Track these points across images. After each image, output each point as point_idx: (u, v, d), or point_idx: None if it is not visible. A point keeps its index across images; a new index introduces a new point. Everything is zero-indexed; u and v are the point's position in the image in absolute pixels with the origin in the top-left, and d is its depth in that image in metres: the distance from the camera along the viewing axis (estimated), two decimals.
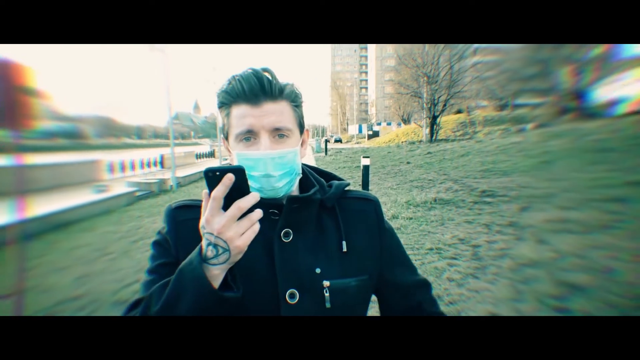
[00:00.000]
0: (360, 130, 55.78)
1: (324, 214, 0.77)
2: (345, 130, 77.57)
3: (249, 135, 0.71)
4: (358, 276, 0.73)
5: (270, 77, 0.72)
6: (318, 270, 0.72)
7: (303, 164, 0.83)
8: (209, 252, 0.57)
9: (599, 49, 15.01)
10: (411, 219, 4.97)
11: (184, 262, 0.61)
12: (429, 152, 12.87)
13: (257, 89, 0.70)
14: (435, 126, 22.26)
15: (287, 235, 0.73)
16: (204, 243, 0.59)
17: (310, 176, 0.81)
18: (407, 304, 0.81)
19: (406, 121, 36.24)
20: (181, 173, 14.69)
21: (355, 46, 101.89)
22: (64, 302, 3.22)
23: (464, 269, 3.26)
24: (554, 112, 17.08)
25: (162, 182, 12.58)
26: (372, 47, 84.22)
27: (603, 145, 7.21)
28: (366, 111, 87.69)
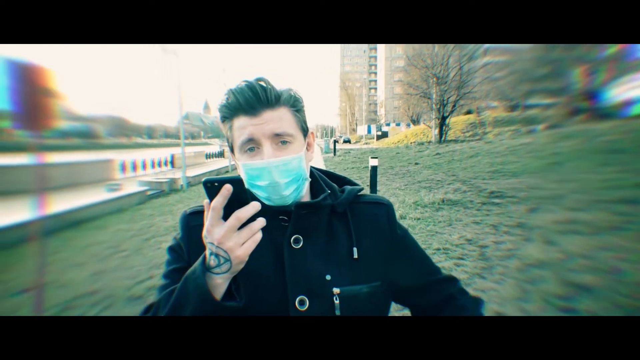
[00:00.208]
0: (369, 131, 55.65)
1: (335, 219, 0.76)
2: (354, 130, 77.47)
3: (252, 145, 0.72)
4: (369, 282, 0.72)
5: (265, 86, 0.72)
6: (328, 277, 0.71)
7: (315, 168, 0.84)
8: (212, 261, 0.59)
9: (613, 49, 14.79)
10: (419, 219, 5.00)
11: (189, 271, 0.62)
12: (437, 153, 12.83)
13: (252, 99, 0.71)
14: (444, 127, 22.14)
15: (297, 241, 0.73)
16: (207, 252, 0.60)
17: (321, 181, 0.81)
18: (438, 299, 0.80)
19: (415, 122, 36.09)
20: (191, 173, 14.87)
21: (365, 47, 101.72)
22: (80, 297, 3.34)
23: (470, 269, 3.28)
24: (565, 113, 16.86)
25: (173, 181, 12.78)
26: (381, 48, 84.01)
27: (614, 146, 7.13)
28: (375, 112, 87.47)
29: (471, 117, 26.75)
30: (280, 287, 0.70)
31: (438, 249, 3.83)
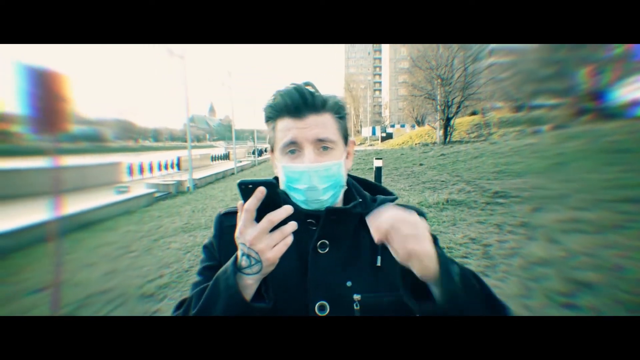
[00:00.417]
0: (373, 132, 55.65)
1: (362, 227, 0.73)
2: (358, 132, 77.55)
3: (294, 148, 0.72)
4: (392, 291, 0.69)
5: (312, 90, 0.73)
6: (349, 284, 0.71)
7: (350, 176, 0.83)
8: (243, 262, 0.59)
9: (619, 49, 14.73)
10: None
11: (220, 270, 0.63)
12: (442, 154, 12.85)
13: (299, 102, 0.72)
14: (449, 128, 22.12)
15: (323, 246, 0.73)
16: (239, 253, 0.61)
17: (354, 189, 0.81)
18: None
19: (420, 123, 36.05)
20: (197, 175, 15.04)
21: (369, 48, 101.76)
22: (94, 295, 3.45)
23: (474, 267, 3.33)
24: (571, 114, 16.80)
25: (180, 183, 12.96)
26: (385, 49, 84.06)
27: (619, 146, 7.13)
28: (380, 113, 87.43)
29: (476, 118, 26.67)
30: (302, 291, 0.70)
31: (442, 248, 3.88)
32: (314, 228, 0.74)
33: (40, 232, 5.83)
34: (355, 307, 0.69)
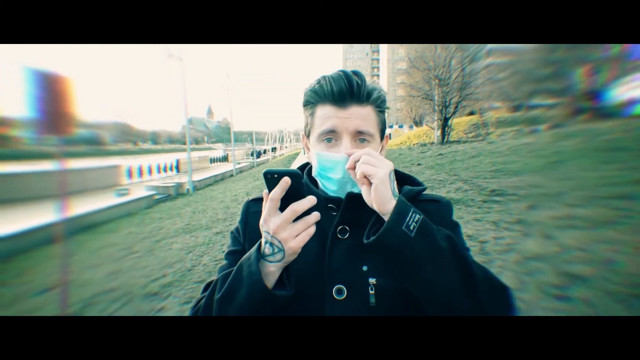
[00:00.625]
0: None
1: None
2: None
3: (331, 136, 0.72)
4: None
5: (359, 81, 0.72)
6: (365, 268, 0.71)
7: None
8: (267, 249, 0.61)
9: (616, 49, 14.86)
10: None
11: (244, 257, 0.65)
12: (440, 154, 12.94)
13: (345, 91, 0.71)
14: (446, 128, 22.21)
15: (343, 232, 0.74)
16: (262, 241, 0.62)
17: None
18: None
19: (418, 123, 36.15)
20: (197, 177, 15.10)
21: (367, 49, 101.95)
22: (100, 294, 3.52)
23: None
24: (568, 113, 16.92)
25: (179, 185, 13.02)
26: (383, 50, 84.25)
27: (614, 145, 7.23)
28: None
29: (474, 118, 26.79)
30: (321, 275, 0.71)
31: (462, 236, 3.96)
32: (334, 213, 0.75)
33: (42, 235, 5.91)
34: (370, 291, 0.69)
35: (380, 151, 0.79)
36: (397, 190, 0.66)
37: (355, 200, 0.72)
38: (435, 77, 22.75)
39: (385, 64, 78.44)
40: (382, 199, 0.62)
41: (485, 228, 4.41)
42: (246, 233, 0.80)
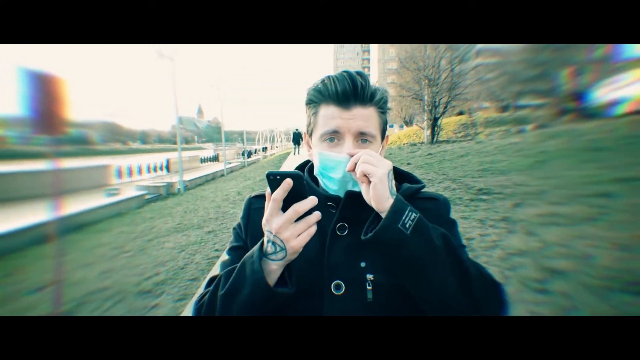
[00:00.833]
0: None
1: None
2: None
3: (334, 136, 0.74)
4: None
5: (363, 82, 0.73)
6: (363, 264, 0.73)
7: None
8: (269, 248, 0.62)
9: (599, 51, 15.25)
10: None
11: (247, 254, 0.67)
12: (429, 154, 13.12)
13: (349, 92, 0.72)
14: (436, 128, 22.47)
15: (342, 229, 0.76)
16: (265, 239, 0.64)
17: None
18: None
19: (408, 123, 36.43)
20: (187, 177, 15.04)
21: (358, 48, 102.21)
22: (93, 292, 3.54)
23: None
24: (554, 114, 17.30)
25: (170, 185, 12.96)
26: (374, 50, 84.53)
27: (597, 144, 7.46)
28: None
29: (463, 118, 27.15)
30: (320, 270, 0.73)
31: (459, 233, 4.08)
32: (334, 211, 0.77)
33: (32, 235, 5.88)
34: (368, 287, 0.71)
35: (380, 151, 0.81)
36: (395, 189, 0.69)
37: (354, 198, 0.74)
38: (425, 77, 22.97)
39: (376, 63, 78.79)
40: (380, 197, 0.64)
41: (472, 226, 4.55)
42: (248, 229, 0.82)
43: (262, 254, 0.63)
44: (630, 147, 6.57)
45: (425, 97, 23.04)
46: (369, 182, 0.66)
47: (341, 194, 0.76)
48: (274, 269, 0.63)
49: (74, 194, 10.88)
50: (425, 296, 0.66)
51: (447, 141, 20.68)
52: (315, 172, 0.78)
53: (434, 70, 22.65)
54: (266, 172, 0.62)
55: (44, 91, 2.89)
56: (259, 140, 47.00)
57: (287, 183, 0.60)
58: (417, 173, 9.33)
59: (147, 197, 11.15)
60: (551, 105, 18.44)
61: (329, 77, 0.75)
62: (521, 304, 2.56)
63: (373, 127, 0.75)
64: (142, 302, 3.25)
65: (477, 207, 5.35)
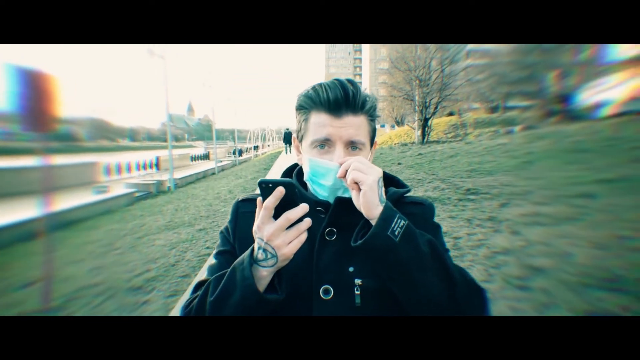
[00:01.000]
0: None
1: None
2: None
3: (325, 143, 0.74)
4: None
5: (354, 90, 0.74)
6: (351, 269, 0.74)
7: None
8: (260, 255, 0.63)
9: (584, 54, 15.59)
10: None
11: (237, 260, 0.66)
12: (419, 154, 13.28)
13: (341, 100, 0.73)
14: (426, 128, 22.70)
15: (331, 234, 0.77)
16: (255, 246, 0.64)
17: None
18: None
19: (400, 123, 36.72)
20: (178, 175, 14.95)
21: (350, 48, 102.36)
22: (84, 288, 3.55)
23: None
24: (541, 115, 17.64)
25: (160, 183, 12.87)
26: (366, 50, 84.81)
27: (580, 146, 7.67)
28: None
29: (453, 119, 27.46)
30: (309, 275, 0.74)
31: (443, 237, 4.16)
32: (323, 216, 0.78)
33: (18, 232, 5.82)
34: (356, 292, 0.72)
35: (369, 157, 0.82)
36: (384, 196, 0.70)
37: (343, 204, 0.75)
38: (415, 77, 23.18)
39: (368, 63, 79.10)
40: (370, 204, 0.66)
41: (459, 225, 4.65)
42: (236, 233, 0.83)
43: (253, 260, 0.64)
44: (612, 149, 6.78)
45: (416, 98, 23.24)
46: (359, 189, 0.67)
47: (331, 200, 0.77)
48: (264, 275, 0.64)
49: (61, 191, 10.75)
50: (412, 301, 0.68)
51: (438, 141, 20.91)
52: (305, 177, 0.79)
53: (424, 71, 22.86)
54: (258, 180, 0.63)
55: (32, 88, 2.89)
56: (250, 139, 46.85)
57: (279, 191, 0.60)
58: (407, 173, 9.46)
59: (137, 194, 11.06)
60: (538, 107, 18.78)
61: (320, 84, 0.76)
62: (503, 300, 2.65)
63: (363, 135, 0.76)
64: (133, 298, 3.27)
65: (465, 207, 5.47)
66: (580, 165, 6.15)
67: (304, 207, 0.62)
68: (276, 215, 0.61)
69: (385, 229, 0.63)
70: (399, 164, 11.53)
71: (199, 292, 0.70)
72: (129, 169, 19.27)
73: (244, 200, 0.86)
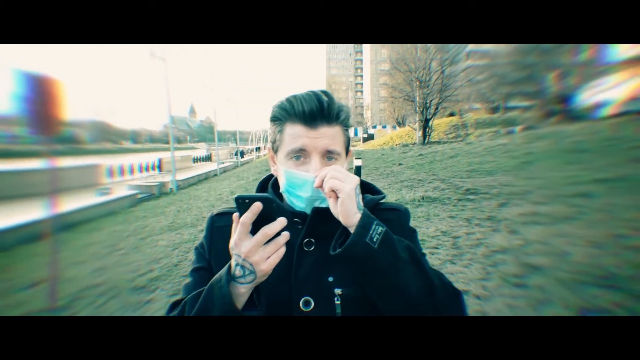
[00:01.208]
0: (355, 134, 56.12)
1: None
2: None
3: (300, 154, 0.74)
4: None
5: (329, 101, 0.74)
6: (330, 279, 0.73)
7: None
8: (237, 271, 0.61)
9: (584, 54, 15.62)
10: None
11: (214, 278, 0.65)
12: (420, 154, 13.34)
13: (316, 111, 0.73)
14: (427, 129, 22.76)
15: (309, 244, 0.76)
16: (233, 262, 0.62)
17: None
18: None
19: (401, 124, 36.76)
20: (180, 176, 15.04)
21: (350, 49, 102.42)
22: (88, 288, 3.61)
23: (443, 256, 3.68)
24: (541, 115, 17.68)
25: (163, 185, 12.96)
26: (366, 50, 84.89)
27: (580, 146, 7.72)
28: (362, 114, 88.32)
29: (454, 119, 27.50)
30: (288, 287, 0.73)
31: (419, 242, 4.22)
32: (300, 227, 0.76)
33: (23, 233, 5.89)
34: (336, 302, 0.71)
35: (345, 165, 0.81)
36: (362, 203, 0.69)
37: (320, 214, 0.74)
38: (416, 79, 23.25)
39: (369, 64, 79.15)
40: (348, 212, 0.65)
41: (459, 224, 4.70)
42: (211, 249, 0.81)
43: (230, 277, 0.62)
44: (610, 148, 6.82)
45: (417, 99, 23.30)
46: (337, 197, 0.67)
47: (307, 211, 0.76)
48: (242, 292, 0.62)
49: (64, 193, 10.83)
50: (391, 307, 0.67)
51: (438, 142, 20.96)
52: (282, 189, 0.79)
53: (424, 72, 22.93)
54: (234, 196, 0.61)
55: (40, 92, 2.96)
56: (252, 140, 46.98)
57: (257, 207, 0.59)
58: (408, 173, 9.51)
59: (140, 196, 11.14)
60: (539, 107, 18.82)
61: (294, 96, 0.76)
62: (500, 297, 2.70)
63: (339, 145, 0.76)
64: (136, 297, 3.33)
65: (465, 206, 5.52)
66: (579, 165, 6.19)
67: (281, 222, 0.61)
68: (253, 230, 0.60)
69: (363, 236, 0.63)
70: (400, 164, 11.59)
71: (175, 312, 0.69)
72: (131, 171, 19.35)
73: (219, 215, 0.84)
